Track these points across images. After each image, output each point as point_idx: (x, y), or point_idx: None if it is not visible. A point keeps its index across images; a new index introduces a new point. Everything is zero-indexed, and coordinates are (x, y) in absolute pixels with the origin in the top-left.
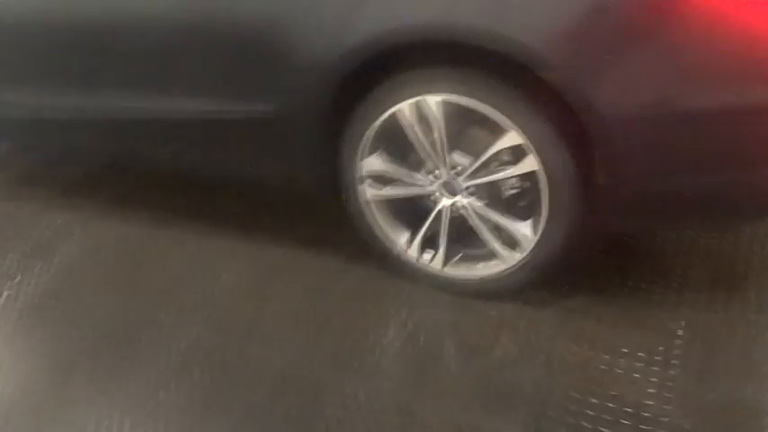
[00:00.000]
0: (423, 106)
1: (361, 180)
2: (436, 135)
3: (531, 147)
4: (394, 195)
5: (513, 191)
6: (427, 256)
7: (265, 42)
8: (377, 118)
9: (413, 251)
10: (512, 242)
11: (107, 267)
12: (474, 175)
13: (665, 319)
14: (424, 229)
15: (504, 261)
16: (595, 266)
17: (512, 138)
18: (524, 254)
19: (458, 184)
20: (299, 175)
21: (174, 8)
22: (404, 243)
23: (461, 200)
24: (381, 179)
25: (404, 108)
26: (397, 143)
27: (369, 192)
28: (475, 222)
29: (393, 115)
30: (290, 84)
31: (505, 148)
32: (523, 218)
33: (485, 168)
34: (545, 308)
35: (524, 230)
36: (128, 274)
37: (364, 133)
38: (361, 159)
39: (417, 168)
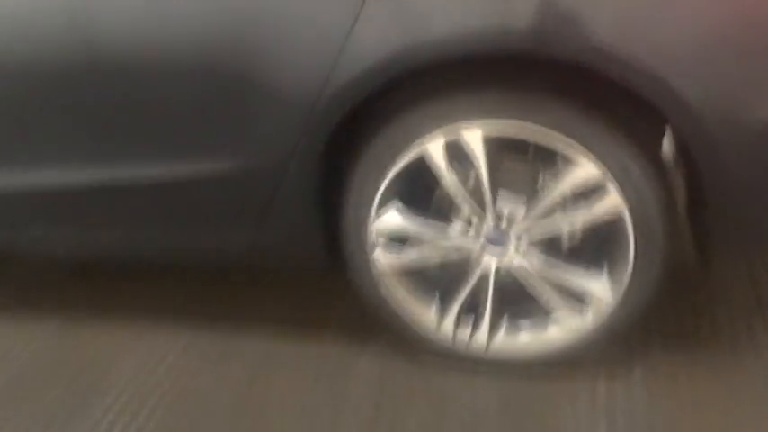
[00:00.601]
0: (459, 142)
1: (374, 245)
2: (477, 174)
3: (613, 178)
4: (419, 260)
5: (577, 239)
6: (465, 333)
7: (222, 79)
8: (394, 164)
9: (445, 329)
10: (580, 304)
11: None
12: (532, 222)
13: None
14: (460, 300)
15: (572, 330)
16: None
17: (584, 170)
18: (600, 318)
19: (507, 237)
20: (277, 250)
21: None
22: (432, 320)
23: (514, 257)
24: (400, 240)
25: (432, 148)
26: (420, 190)
27: (384, 259)
28: (533, 285)
29: (416, 158)
30: (260, 133)
31: (576, 184)
32: (596, 272)
33: (545, 213)
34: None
35: (600, 288)
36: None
37: (376, 185)
38: (374, 219)
39: (449, 221)
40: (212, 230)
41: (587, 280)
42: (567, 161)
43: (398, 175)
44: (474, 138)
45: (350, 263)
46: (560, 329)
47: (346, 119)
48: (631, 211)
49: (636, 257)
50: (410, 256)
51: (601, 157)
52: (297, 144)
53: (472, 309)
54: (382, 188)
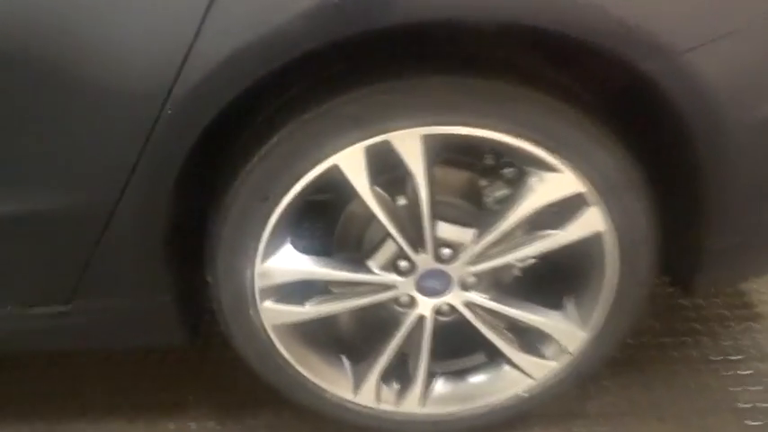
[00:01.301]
0: (387, 150)
1: (262, 296)
2: (413, 192)
3: (598, 196)
4: (327, 313)
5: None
6: (389, 393)
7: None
8: (286, 189)
9: (366, 392)
10: (540, 347)
11: None
12: (483, 250)
13: None
14: (385, 356)
15: (530, 376)
16: None
17: (558, 183)
18: (564, 361)
19: (450, 272)
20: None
21: None
22: (348, 382)
23: (458, 296)
24: (298, 289)
25: (345, 163)
26: (326, 222)
27: (276, 314)
28: (481, 328)
29: (321, 177)
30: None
31: (547, 201)
32: (558, 308)
33: (501, 239)
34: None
35: (565, 327)
36: None
37: (262, 220)
38: (261, 262)
39: (367, 259)
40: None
41: (547, 315)
42: (535, 172)
43: (293, 204)
44: (410, 144)
45: (228, 326)
46: (511, 378)
47: (206, 139)
48: (616, 232)
49: (615, 288)
50: (314, 308)
51: (581, 166)
52: (129, 177)
53: (401, 362)
54: (271, 223)
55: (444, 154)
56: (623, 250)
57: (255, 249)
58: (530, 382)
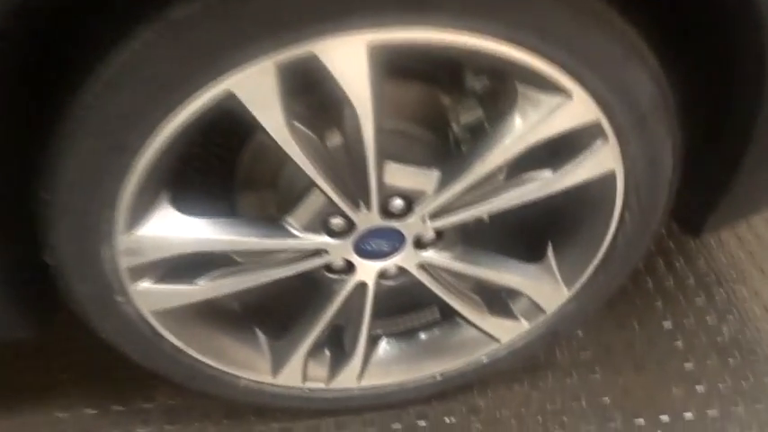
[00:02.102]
0: (312, 65)
1: (133, 277)
2: (349, 131)
3: (611, 127)
4: (228, 292)
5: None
6: (319, 369)
7: None
8: (154, 131)
9: (289, 372)
10: (508, 306)
11: None
12: (449, 207)
13: None
14: (314, 331)
15: (496, 339)
16: None
17: (570, 112)
18: (538, 321)
19: (405, 233)
20: None
21: None
22: (263, 364)
23: (414, 257)
24: (184, 262)
25: (245, 86)
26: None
27: (156, 298)
28: (444, 293)
29: (208, 110)
30: None
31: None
32: (530, 257)
33: (478, 188)
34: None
35: (544, 282)
36: None
37: (120, 177)
38: (125, 234)
39: (286, 219)
40: None
41: (524, 272)
42: (529, 93)
43: (165, 152)
44: (349, 59)
45: (89, 318)
46: (471, 340)
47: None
48: (634, 172)
49: (619, 237)
50: (211, 285)
51: (603, 87)
52: None
53: (332, 333)
54: (132, 183)
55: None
56: (638, 193)
57: (111, 220)
58: (494, 345)
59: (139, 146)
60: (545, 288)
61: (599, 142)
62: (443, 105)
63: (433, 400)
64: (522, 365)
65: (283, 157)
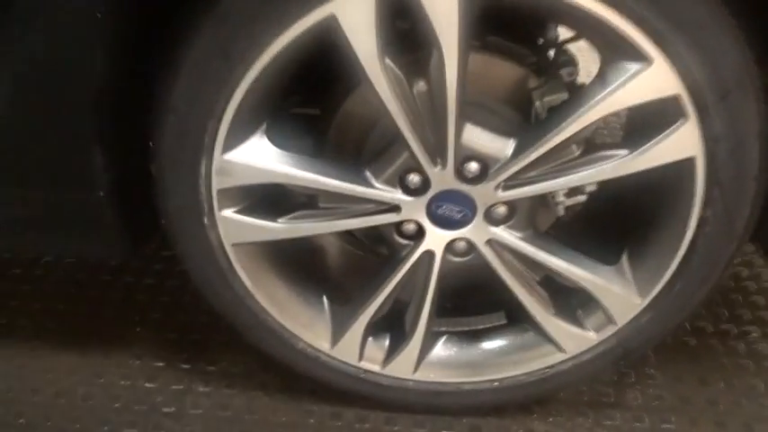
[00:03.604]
0: (402, 4)
1: (221, 202)
2: (434, 77)
3: (693, 102)
4: (305, 234)
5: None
6: (376, 350)
7: None
8: (262, 46)
9: (347, 344)
10: (579, 310)
11: None
12: (523, 174)
13: None
14: (378, 300)
15: (561, 348)
16: None
17: (650, 83)
18: (608, 334)
19: (475, 197)
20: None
21: None
22: (324, 329)
23: (483, 232)
24: (269, 198)
25: (347, 11)
26: (322, 103)
27: (238, 228)
28: (510, 278)
29: (311, 33)
30: None
31: (628, 103)
32: (610, 260)
33: (552, 158)
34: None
35: (617, 285)
36: None
37: (227, 89)
38: (221, 153)
39: (366, 169)
40: None
41: (596, 271)
42: (612, 60)
43: (269, 74)
44: None
45: (175, 239)
46: (535, 349)
47: None
48: (716, 160)
49: (697, 240)
50: (290, 225)
51: (688, 58)
52: None
53: (394, 317)
54: (237, 97)
55: (486, 36)
56: (721, 187)
57: (214, 132)
58: (558, 356)
59: (247, 59)
60: (616, 293)
61: (679, 122)
62: (530, 86)
63: (489, 414)
64: (589, 400)
65: (373, 110)
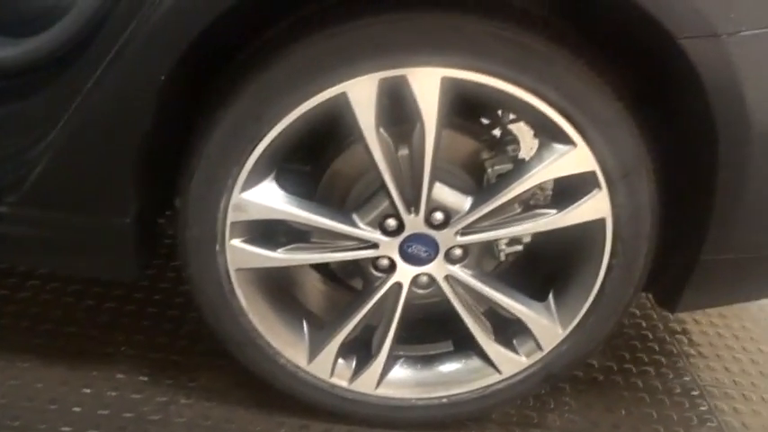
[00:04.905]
0: (401, 87)
1: (232, 232)
2: (415, 144)
3: (604, 177)
4: (298, 262)
5: (512, 250)
6: (345, 368)
7: None
8: (287, 111)
9: (322, 361)
10: (514, 337)
11: None
12: (478, 220)
13: None
14: (351, 323)
15: (498, 370)
16: None
17: (573, 161)
18: (536, 359)
19: (437, 239)
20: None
21: None
22: (302, 348)
23: (443, 269)
24: (272, 232)
25: (355, 91)
26: (314, 168)
27: (243, 256)
28: (461, 308)
29: (324, 105)
30: None
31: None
32: (540, 294)
33: (500, 214)
34: None
35: (545, 317)
36: None
37: (250, 145)
38: (239, 192)
39: (353, 212)
40: None
41: (529, 305)
42: (547, 143)
43: (285, 134)
44: (427, 84)
45: (187, 262)
46: (476, 371)
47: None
48: (619, 222)
49: (605, 284)
50: (287, 255)
51: (600, 144)
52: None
53: (363, 341)
54: (260, 149)
55: (453, 117)
56: (623, 243)
57: (236, 176)
58: (495, 377)
59: (273, 120)
60: (544, 324)
61: (594, 191)
62: (484, 157)
63: (436, 428)
64: (517, 420)
65: (360, 167)
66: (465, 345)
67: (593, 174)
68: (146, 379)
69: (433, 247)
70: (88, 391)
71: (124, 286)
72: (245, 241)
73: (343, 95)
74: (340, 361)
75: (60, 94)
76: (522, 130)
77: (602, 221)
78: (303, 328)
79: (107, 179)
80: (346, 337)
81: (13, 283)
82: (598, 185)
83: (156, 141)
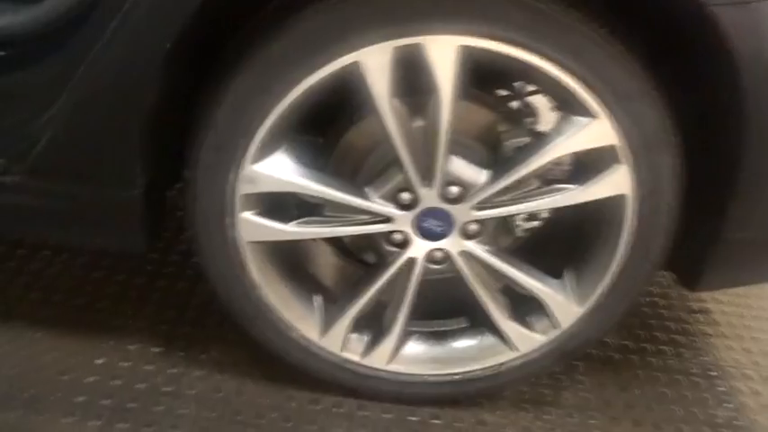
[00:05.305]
0: (417, 57)
1: (243, 205)
2: (430, 116)
3: (626, 151)
4: (311, 236)
5: (529, 226)
6: (357, 343)
7: None
8: (298, 81)
9: (334, 335)
10: (530, 315)
11: None
12: (493, 199)
13: None
14: (364, 298)
15: (513, 347)
16: None
17: (594, 134)
18: (551, 336)
19: (453, 214)
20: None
21: None
22: (314, 322)
23: (456, 243)
24: (283, 204)
25: (369, 59)
26: (327, 140)
27: (255, 228)
28: (476, 284)
29: (336, 75)
30: None
31: (580, 147)
32: (556, 272)
33: (517, 189)
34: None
35: (562, 294)
36: None
37: (262, 114)
38: (250, 164)
39: (366, 186)
40: None
41: (545, 282)
42: (567, 115)
43: (297, 104)
44: (444, 53)
45: (197, 235)
46: (491, 348)
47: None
48: (640, 198)
49: (623, 262)
50: (299, 228)
51: (622, 116)
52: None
53: (376, 315)
54: (270, 120)
55: (469, 88)
56: (643, 219)
57: (246, 147)
58: (509, 354)
59: (284, 91)
60: (560, 302)
61: (615, 166)
62: (501, 130)
63: (447, 405)
64: (530, 398)
65: (374, 139)
66: (479, 321)
67: (613, 148)
68: (157, 351)
69: (447, 221)
70: (100, 361)
71: (134, 258)
72: (257, 214)
73: (356, 65)
74: (352, 335)
75: (64, 63)
76: (540, 103)
77: (622, 197)
78: (315, 302)
79: (113, 150)
80: (359, 312)
81: (24, 254)
82: (619, 160)
83: (165, 112)
